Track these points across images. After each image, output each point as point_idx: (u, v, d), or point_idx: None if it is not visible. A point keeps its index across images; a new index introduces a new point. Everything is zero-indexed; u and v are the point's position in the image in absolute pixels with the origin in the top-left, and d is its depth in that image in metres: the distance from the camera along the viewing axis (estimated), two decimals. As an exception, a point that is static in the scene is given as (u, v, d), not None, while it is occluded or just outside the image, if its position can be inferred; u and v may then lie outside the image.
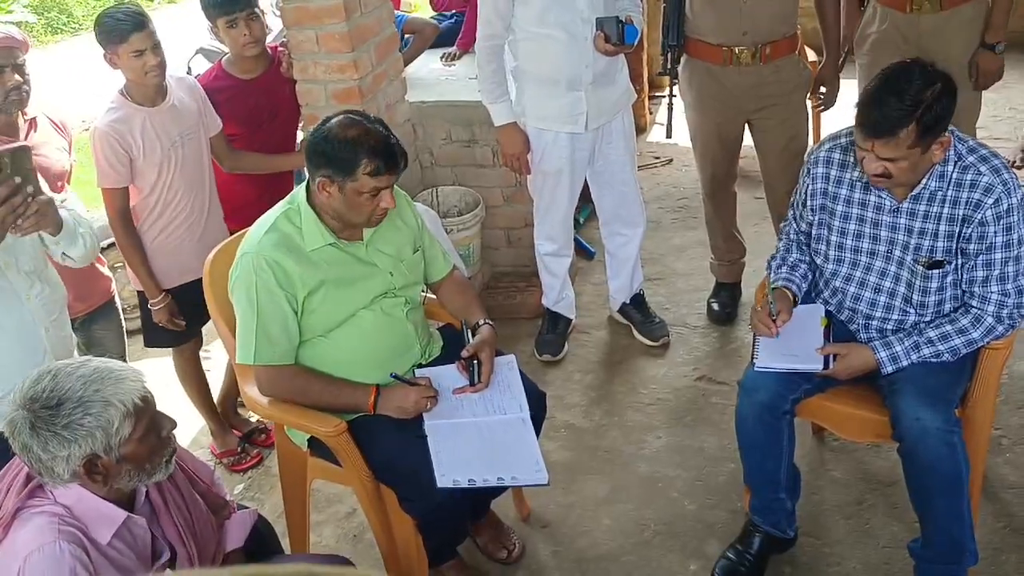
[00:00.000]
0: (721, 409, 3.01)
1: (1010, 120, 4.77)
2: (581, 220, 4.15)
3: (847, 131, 2.27)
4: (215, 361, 3.60)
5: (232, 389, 3.17)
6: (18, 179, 1.81)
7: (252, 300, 2.13)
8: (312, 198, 2.18)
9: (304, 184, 2.22)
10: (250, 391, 2.24)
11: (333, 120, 2.11)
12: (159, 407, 1.63)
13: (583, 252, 4.01)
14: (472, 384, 2.25)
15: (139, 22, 2.57)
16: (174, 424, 1.63)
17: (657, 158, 4.89)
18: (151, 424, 1.57)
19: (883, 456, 2.74)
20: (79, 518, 1.53)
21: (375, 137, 2.08)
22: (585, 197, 3.42)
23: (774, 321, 2.25)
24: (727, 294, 3.51)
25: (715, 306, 3.50)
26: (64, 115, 2.91)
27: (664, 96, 3.71)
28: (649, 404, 3.11)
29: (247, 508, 1.96)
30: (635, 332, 3.43)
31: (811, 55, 4.06)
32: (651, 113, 5.31)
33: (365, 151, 2.05)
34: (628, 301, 3.44)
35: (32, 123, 2.67)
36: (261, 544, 1.97)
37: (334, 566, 1.51)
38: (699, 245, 3.88)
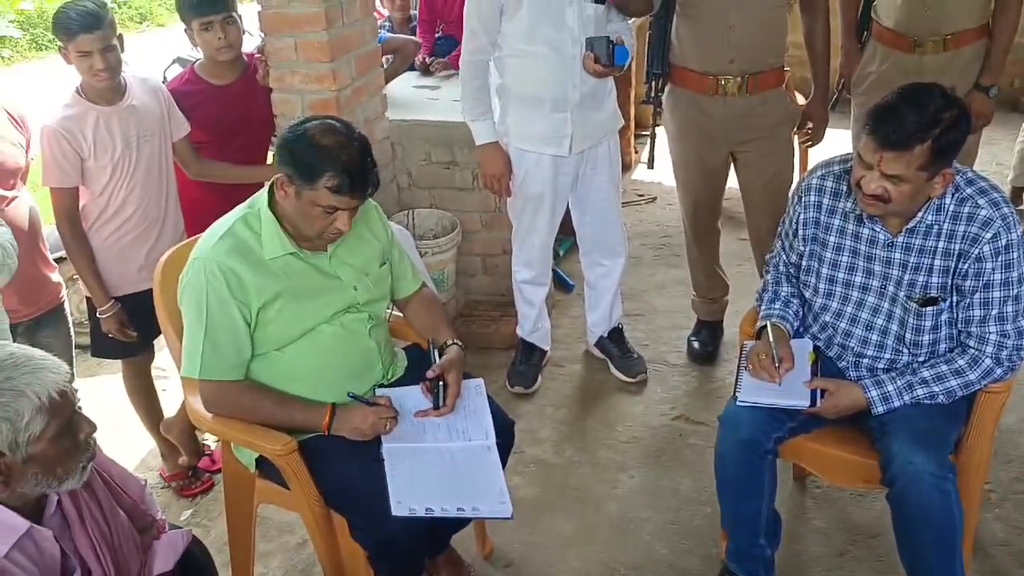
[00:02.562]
0: (699, 450, 2.87)
1: (997, 175, 4.71)
2: (561, 252, 4.05)
3: (840, 158, 2.18)
4: (174, 380, 3.42)
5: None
6: None
7: (201, 309, 1.98)
8: (274, 203, 2.04)
9: (267, 187, 2.08)
10: (195, 404, 2.08)
11: (315, 121, 1.97)
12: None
13: (562, 285, 3.89)
14: (436, 407, 2.10)
15: (90, 23, 2.43)
16: (94, 427, 1.46)
17: (641, 195, 4.81)
18: (68, 424, 1.40)
19: (867, 506, 2.60)
20: (-28, 525, 1.36)
21: (350, 153, 1.92)
22: (567, 229, 3.31)
23: (777, 367, 2.12)
24: (708, 332, 3.39)
25: (696, 344, 3.38)
26: (25, 112, 2.78)
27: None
28: (623, 442, 2.97)
29: (180, 528, 1.78)
30: (612, 367, 3.29)
31: (800, 99, 4.02)
32: (636, 152, 5.24)
33: (333, 163, 1.90)
34: (606, 335, 3.31)
35: (-12, 115, 2.54)
36: (195, 570, 1.79)
37: None
38: (681, 283, 3.77)
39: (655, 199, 4.77)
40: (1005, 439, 2.86)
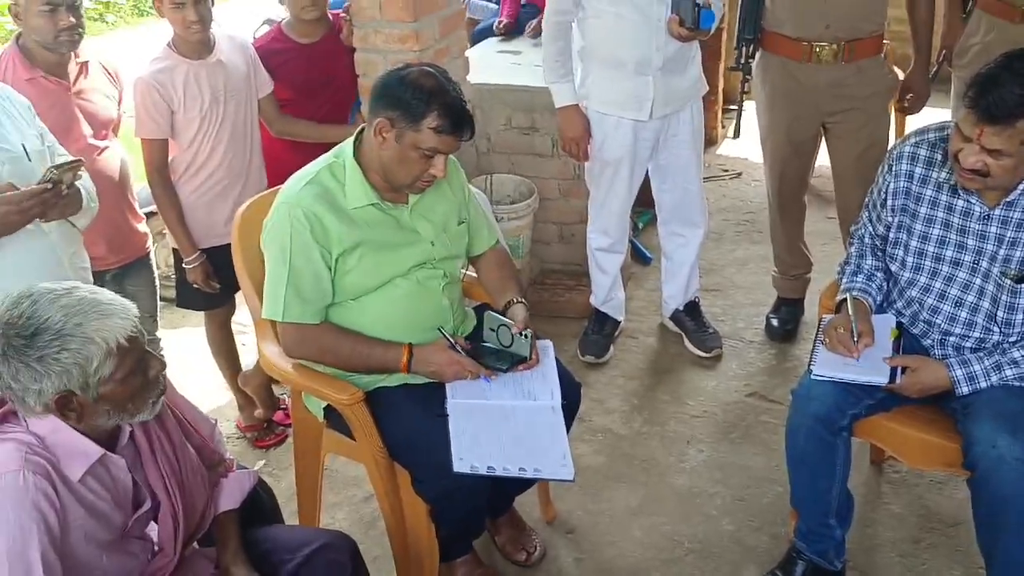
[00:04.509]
0: (772, 428, 2.79)
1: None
2: (640, 225, 3.98)
3: (936, 126, 2.07)
4: (253, 335, 3.49)
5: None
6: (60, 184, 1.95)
7: (285, 253, 2.01)
8: (360, 154, 2.06)
9: (353, 138, 2.10)
10: (267, 350, 2.13)
11: (413, 67, 2.01)
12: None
13: (639, 257, 3.84)
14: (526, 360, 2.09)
15: None
16: (164, 365, 1.50)
17: (726, 171, 4.70)
18: (137, 364, 1.44)
19: (948, 494, 2.50)
20: (51, 450, 1.40)
21: (452, 95, 1.96)
22: (647, 202, 3.25)
23: (855, 342, 2.04)
24: (788, 310, 3.30)
25: (774, 322, 3.29)
26: (119, 66, 2.86)
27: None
28: (694, 416, 2.91)
29: (247, 469, 1.82)
30: (686, 341, 3.24)
31: (899, 74, 3.85)
32: (723, 127, 5.11)
33: (438, 104, 1.93)
34: (681, 308, 3.25)
35: (83, 67, 2.61)
36: (260, 511, 1.83)
37: None
38: (762, 260, 3.68)
39: (740, 174, 4.65)
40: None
